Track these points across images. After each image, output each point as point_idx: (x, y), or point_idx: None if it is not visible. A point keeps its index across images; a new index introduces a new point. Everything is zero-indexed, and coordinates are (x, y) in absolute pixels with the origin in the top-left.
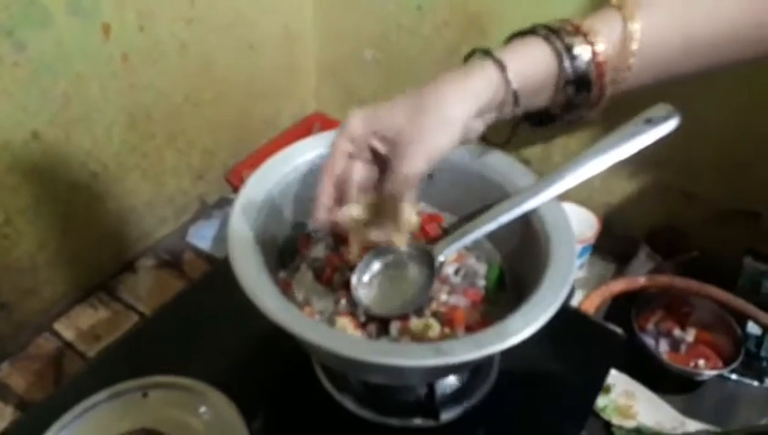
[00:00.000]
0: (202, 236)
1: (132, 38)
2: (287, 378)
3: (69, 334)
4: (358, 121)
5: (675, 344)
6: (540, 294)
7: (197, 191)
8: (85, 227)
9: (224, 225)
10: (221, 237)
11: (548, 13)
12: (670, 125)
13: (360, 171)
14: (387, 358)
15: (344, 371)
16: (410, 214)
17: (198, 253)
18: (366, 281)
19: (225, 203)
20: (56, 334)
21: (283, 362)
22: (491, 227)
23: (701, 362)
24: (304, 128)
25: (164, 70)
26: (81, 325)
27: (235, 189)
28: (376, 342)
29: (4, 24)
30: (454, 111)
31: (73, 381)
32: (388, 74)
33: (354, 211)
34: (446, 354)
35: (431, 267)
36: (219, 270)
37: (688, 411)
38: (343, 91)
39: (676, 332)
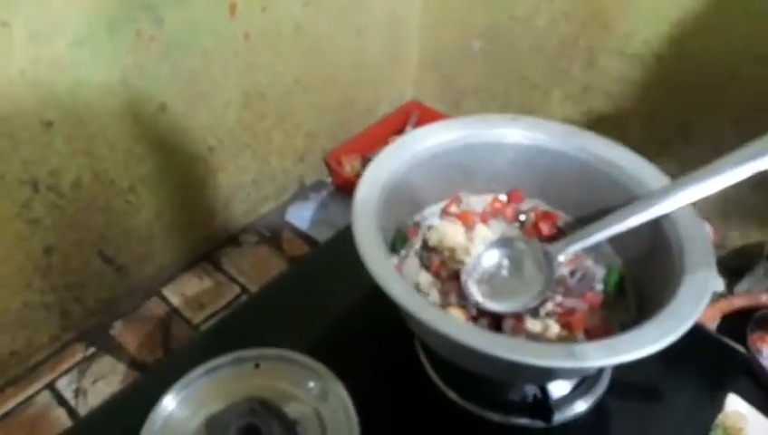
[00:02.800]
0: (300, 217)
1: (255, 18)
2: (391, 362)
3: (176, 300)
4: None
5: None
6: (676, 304)
7: (298, 172)
8: (199, 200)
9: (321, 206)
10: (318, 219)
11: (676, 5)
12: None
13: None
14: (519, 355)
15: (458, 362)
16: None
17: (296, 232)
18: (478, 275)
19: (321, 186)
20: (164, 299)
21: (387, 346)
22: (619, 229)
23: None
24: (401, 116)
25: (280, 51)
26: (188, 293)
27: (332, 172)
28: (507, 338)
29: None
30: None
31: (187, 349)
32: (494, 66)
33: None
34: (580, 358)
35: (549, 267)
36: (322, 252)
37: None
38: (444, 81)
39: None
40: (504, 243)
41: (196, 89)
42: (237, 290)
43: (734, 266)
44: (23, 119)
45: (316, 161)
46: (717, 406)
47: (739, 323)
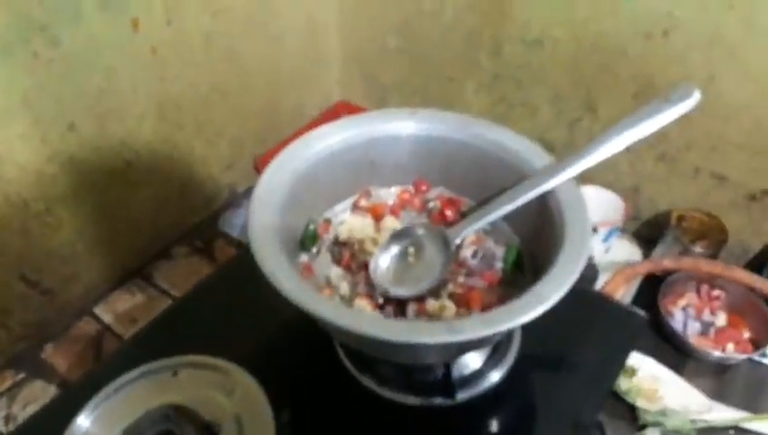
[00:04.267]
0: (233, 224)
1: (160, 31)
2: (311, 359)
3: (108, 318)
4: None
5: (704, 328)
6: (552, 274)
7: (227, 180)
8: (122, 215)
9: None
10: None
11: None
12: (689, 103)
13: None
14: (399, 335)
15: (360, 348)
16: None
17: (229, 240)
18: (384, 264)
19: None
20: (96, 318)
21: (307, 344)
22: (506, 209)
23: (730, 345)
24: (330, 116)
25: (191, 61)
26: (119, 309)
27: None
28: (389, 319)
29: (38, 18)
30: None
31: (109, 362)
32: (412, 61)
33: None
34: (458, 332)
35: (447, 250)
36: (246, 255)
37: (717, 396)
38: (368, 79)
39: (706, 315)
40: (405, 232)
41: (104, 106)
42: (169, 303)
43: (648, 236)
44: None
45: (246, 168)
46: (619, 365)
47: (655, 289)
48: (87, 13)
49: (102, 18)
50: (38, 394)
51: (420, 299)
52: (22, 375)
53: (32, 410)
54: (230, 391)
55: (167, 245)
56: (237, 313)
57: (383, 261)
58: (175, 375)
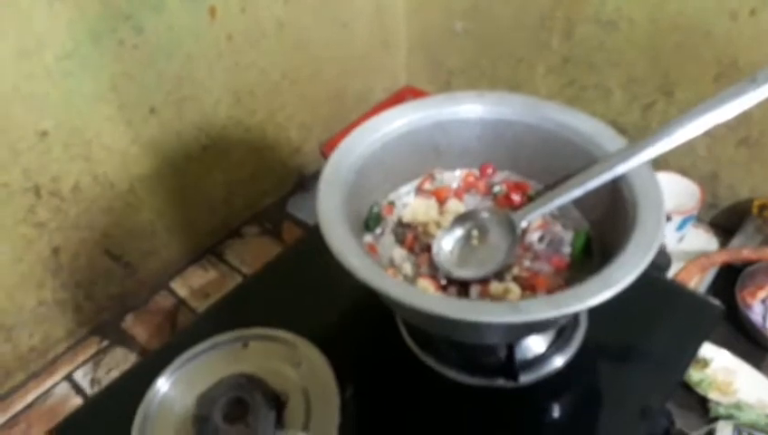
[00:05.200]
0: (300, 207)
1: (236, 19)
2: (375, 336)
3: (183, 292)
4: None
5: None
6: (623, 258)
7: (295, 164)
8: (197, 196)
9: None
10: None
11: None
12: None
13: None
14: (463, 313)
15: (424, 327)
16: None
17: (297, 222)
18: (447, 247)
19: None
20: (172, 292)
21: (370, 322)
22: (576, 193)
23: None
24: (396, 101)
25: (264, 49)
26: (194, 284)
27: None
28: (453, 298)
29: (123, 8)
30: None
31: (183, 333)
32: (479, 45)
33: None
34: (522, 312)
35: (513, 233)
36: (313, 235)
37: None
38: (433, 63)
39: None
40: (470, 215)
41: (182, 91)
42: (240, 279)
43: (726, 225)
44: (19, 130)
45: (313, 152)
46: (690, 355)
47: (733, 280)
48: (169, 2)
49: (182, 7)
50: (120, 361)
51: (484, 282)
52: (105, 343)
53: (114, 374)
54: (297, 364)
55: (238, 225)
56: (304, 290)
57: (446, 243)
58: (245, 347)
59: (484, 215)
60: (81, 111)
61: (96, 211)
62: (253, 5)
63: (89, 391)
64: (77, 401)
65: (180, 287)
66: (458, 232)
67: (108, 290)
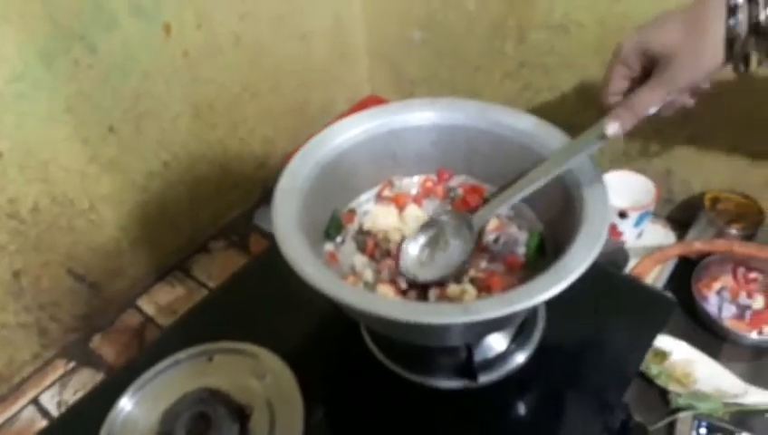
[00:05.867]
0: (267, 219)
1: (191, 36)
2: (339, 345)
3: (150, 310)
4: (629, 44)
5: (740, 311)
6: (570, 254)
7: (260, 177)
8: (162, 213)
9: None
10: None
11: None
12: None
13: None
14: (415, 316)
15: (383, 331)
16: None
17: (264, 234)
18: (413, 252)
19: None
20: (139, 310)
21: (335, 331)
22: (527, 191)
23: (767, 328)
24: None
25: (221, 64)
26: (161, 301)
27: None
28: (406, 302)
29: (75, 28)
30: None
31: (149, 349)
32: (437, 54)
33: None
34: (473, 313)
35: (471, 236)
36: (278, 246)
37: (753, 379)
38: (396, 73)
39: (742, 298)
40: (432, 222)
41: (140, 108)
42: (205, 294)
43: (682, 219)
44: None
45: (278, 165)
46: (646, 347)
47: (690, 273)
48: (121, 20)
49: (136, 24)
50: (87, 381)
51: (442, 285)
52: (72, 364)
53: (80, 396)
54: (262, 376)
55: (205, 240)
56: (269, 302)
57: (412, 249)
58: (210, 360)
59: (444, 219)
60: (35, 132)
61: (57, 232)
62: (208, 21)
63: (56, 413)
64: (44, 424)
65: (147, 305)
66: (423, 238)
67: (73, 311)
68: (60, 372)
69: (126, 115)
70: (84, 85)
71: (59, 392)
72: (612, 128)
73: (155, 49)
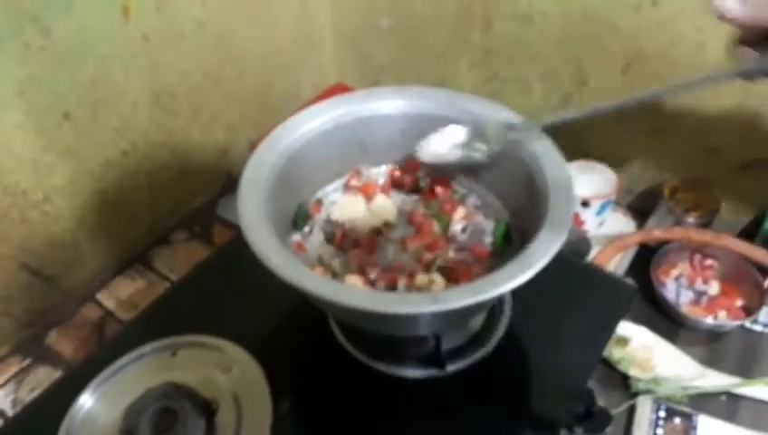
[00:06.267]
0: (230, 209)
1: (151, 19)
2: (306, 337)
3: (110, 303)
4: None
5: (697, 297)
6: (536, 244)
7: (223, 166)
8: (120, 203)
9: None
10: None
11: None
12: None
13: None
14: (383, 305)
15: (351, 322)
16: None
17: (228, 224)
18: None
19: None
20: (98, 304)
21: (302, 322)
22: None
23: (722, 313)
24: (325, 99)
25: (183, 49)
26: (121, 295)
27: None
28: (374, 291)
29: (27, 9)
30: None
31: (110, 344)
32: (404, 41)
33: None
34: (441, 301)
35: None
36: (242, 237)
37: (710, 363)
38: (362, 60)
39: (698, 285)
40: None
41: (97, 94)
42: (167, 287)
43: (642, 208)
44: None
45: (242, 153)
46: (608, 333)
47: (649, 260)
48: (77, 1)
49: (93, 6)
50: (44, 379)
51: (410, 275)
52: (28, 361)
53: (37, 394)
54: (228, 369)
55: (166, 231)
56: (234, 294)
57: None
58: (174, 355)
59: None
60: None
61: (8, 224)
62: (168, 5)
63: (11, 412)
64: None
65: (107, 299)
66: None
67: (28, 305)
68: (14, 369)
69: (82, 101)
70: (37, 69)
71: (14, 391)
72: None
73: (113, 33)
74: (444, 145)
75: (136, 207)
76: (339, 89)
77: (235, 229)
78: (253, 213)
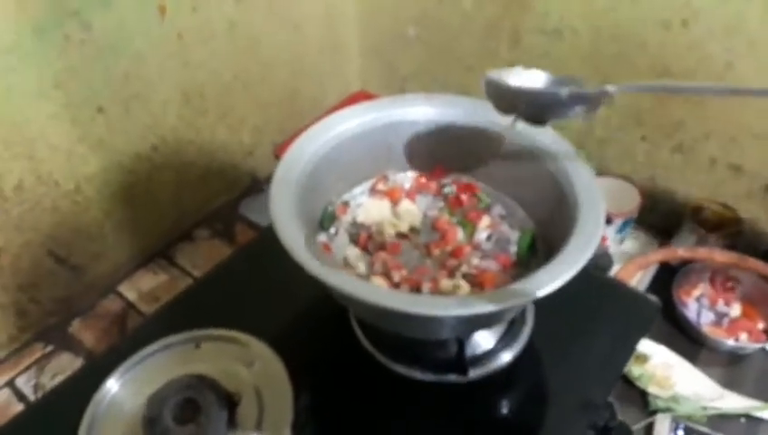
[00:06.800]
0: (253, 209)
1: (186, 18)
2: (328, 335)
3: (132, 296)
4: None
5: (718, 318)
6: (564, 254)
7: (248, 166)
8: (147, 197)
9: None
10: None
11: None
12: None
13: None
14: (411, 306)
15: (376, 322)
16: None
17: (250, 224)
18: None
19: None
20: (121, 296)
21: (323, 320)
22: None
23: (743, 335)
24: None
25: (214, 49)
26: (143, 288)
27: None
28: (403, 293)
29: (70, 3)
30: None
31: (133, 335)
32: (430, 51)
33: None
34: (469, 306)
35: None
36: (266, 236)
37: (730, 384)
38: (388, 69)
39: (720, 306)
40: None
41: (131, 90)
42: (190, 282)
43: (663, 227)
44: None
45: (266, 155)
46: (630, 349)
47: (671, 279)
48: None
49: (132, 4)
50: (66, 366)
51: (434, 280)
52: (50, 348)
53: (60, 380)
54: (250, 363)
55: (189, 227)
56: (257, 291)
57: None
58: (197, 347)
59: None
60: (22, 107)
61: (40, 212)
62: (204, 4)
63: (32, 397)
64: (19, 407)
65: (129, 291)
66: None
67: (53, 293)
68: (37, 355)
69: (116, 96)
70: (75, 61)
71: (36, 375)
72: None
73: (149, 30)
74: (535, 81)
75: (162, 203)
76: (361, 96)
77: (258, 229)
78: (284, 212)
